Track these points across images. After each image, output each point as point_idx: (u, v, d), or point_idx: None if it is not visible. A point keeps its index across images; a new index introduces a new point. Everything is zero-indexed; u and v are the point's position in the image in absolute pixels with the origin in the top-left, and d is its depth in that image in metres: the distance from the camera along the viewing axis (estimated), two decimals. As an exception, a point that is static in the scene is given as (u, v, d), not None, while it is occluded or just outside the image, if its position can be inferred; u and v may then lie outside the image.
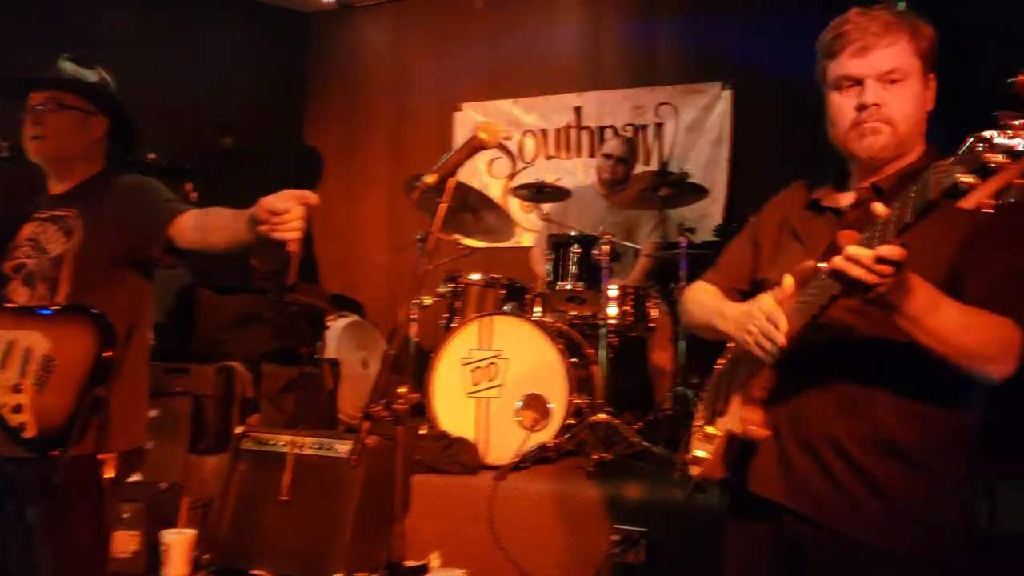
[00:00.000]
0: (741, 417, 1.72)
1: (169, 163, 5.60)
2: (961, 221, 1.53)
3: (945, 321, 1.45)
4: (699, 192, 4.57)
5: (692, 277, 4.38)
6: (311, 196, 1.78)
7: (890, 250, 1.31)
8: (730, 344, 1.95)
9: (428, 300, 4.53)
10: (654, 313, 4.47)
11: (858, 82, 1.67)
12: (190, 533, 3.13)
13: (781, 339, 1.56)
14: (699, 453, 1.91)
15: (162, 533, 3.08)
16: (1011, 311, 1.51)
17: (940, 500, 1.64)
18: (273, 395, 4.16)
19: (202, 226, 2.18)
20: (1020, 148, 1.08)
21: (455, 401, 3.91)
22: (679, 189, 4.43)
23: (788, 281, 1.59)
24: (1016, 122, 1.09)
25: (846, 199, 1.79)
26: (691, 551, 2.93)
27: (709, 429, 1.89)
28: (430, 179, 1.56)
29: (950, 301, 1.48)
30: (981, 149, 1.12)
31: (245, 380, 4.06)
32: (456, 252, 3.84)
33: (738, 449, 1.77)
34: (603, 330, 4.07)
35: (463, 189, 4.26)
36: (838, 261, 1.38)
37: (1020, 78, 1.09)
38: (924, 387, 1.60)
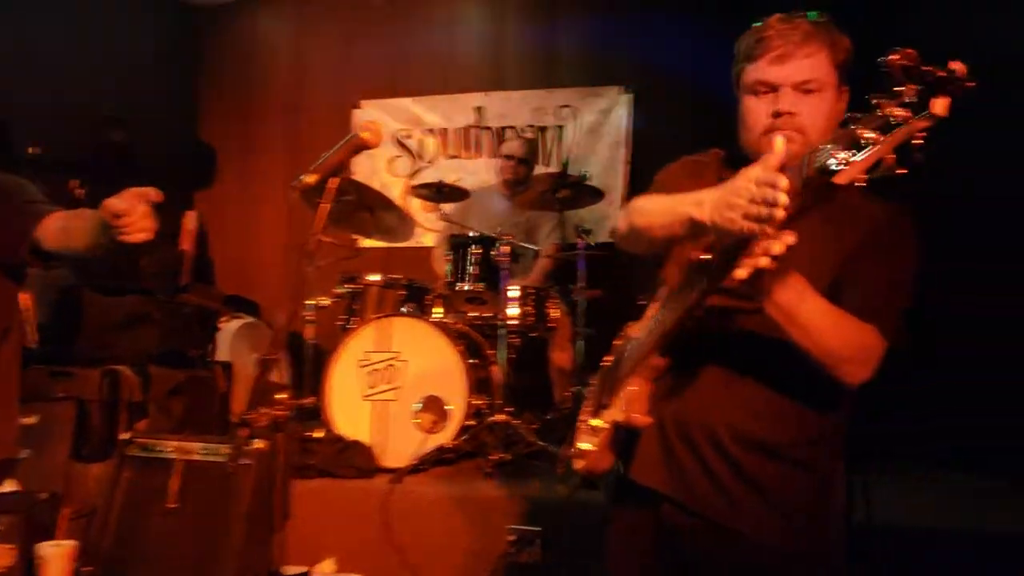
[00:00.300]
0: (626, 404, 1.74)
1: (55, 158, 5.38)
2: (851, 234, 1.59)
3: (812, 314, 1.49)
4: (597, 195, 4.61)
5: (591, 278, 4.43)
6: (152, 193, 1.71)
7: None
8: (616, 342, 1.97)
9: (325, 301, 4.45)
10: (554, 313, 4.49)
11: (774, 89, 1.67)
12: (69, 545, 2.99)
13: (783, 198, 1.28)
14: (584, 446, 1.91)
15: (38, 546, 2.94)
16: (876, 321, 1.56)
17: (815, 497, 1.70)
18: (161, 399, 4.02)
19: (66, 228, 2.08)
20: (890, 122, 1.11)
21: (351, 404, 3.86)
22: (578, 191, 4.47)
23: (779, 143, 1.38)
24: (887, 100, 1.12)
25: None
26: (585, 548, 2.95)
27: (594, 422, 1.90)
28: (309, 179, 1.51)
29: (819, 297, 1.51)
30: (854, 126, 1.15)
31: (132, 384, 3.92)
32: (344, 252, 3.76)
33: (622, 438, 1.79)
34: (503, 331, 4.06)
35: (360, 188, 4.21)
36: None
37: (891, 58, 1.12)
38: (800, 387, 1.64)
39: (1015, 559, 2.85)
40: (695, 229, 1.51)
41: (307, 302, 4.50)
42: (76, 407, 3.72)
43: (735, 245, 1.37)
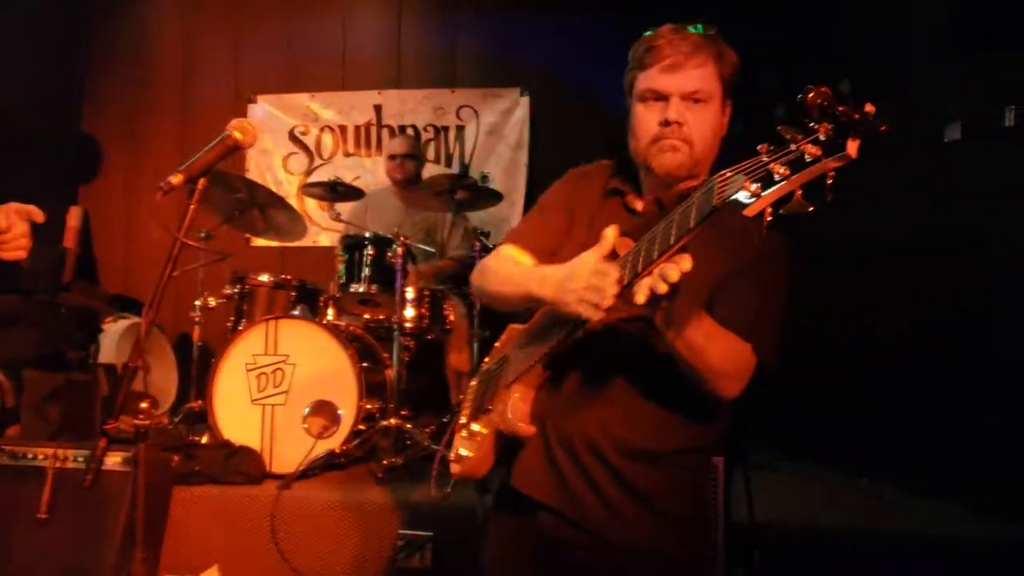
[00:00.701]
0: (510, 413, 1.73)
1: (-78, 149, 5.10)
2: (727, 253, 1.62)
3: (700, 333, 1.51)
4: (496, 197, 4.60)
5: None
6: (36, 213, 1.63)
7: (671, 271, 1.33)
8: (497, 344, 1.97)
9: (213, 302, 4.31)
10: (451, 316, 4.46)
11: (663, 98, 1.70)
12: (-70, 559, 2.83)
13: (612, 290, 1.43)
14: (462, 451, 1.90)
15: None
16: (751, 338, 1.60)
17: (693, 503, 1.74)
18: (37, 404, 3.84)
19: None
20: (804, 159, 1.12)
21: (239, 408, 3.74)
22: (476, 193, 4.44)
23: (610, 233, 1.50)
24: (800, 136, 1.13)
25: (637, 201, 1.82)
26: (476, 553, 2.94)
27: (474, 427, 1.89)
28: (175, 180, 1.45)
29: (707, 317, 1.54)
30: (765, 160, 1.16)
31: (4, 388, 3.74)
32: (214, 255, 3.65)
33: (504, 445, 1.79)
34: (397, 333, 4.00)
35: (251, 185, 4.11)
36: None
37: (808, 95, 1.13)
38: (681, 397, 1.66)
39: (894, 557, 2.96)
40: (539, 303, 1.65)
41: (196, 302, 4.35)
42: (-57, 413, 3.53)
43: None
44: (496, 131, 6.02)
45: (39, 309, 4.14)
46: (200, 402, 4.08)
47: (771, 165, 1.14)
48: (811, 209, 1.15)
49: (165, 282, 1.43)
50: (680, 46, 1.68)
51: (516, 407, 1.74)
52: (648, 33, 1.75)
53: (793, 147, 1.13)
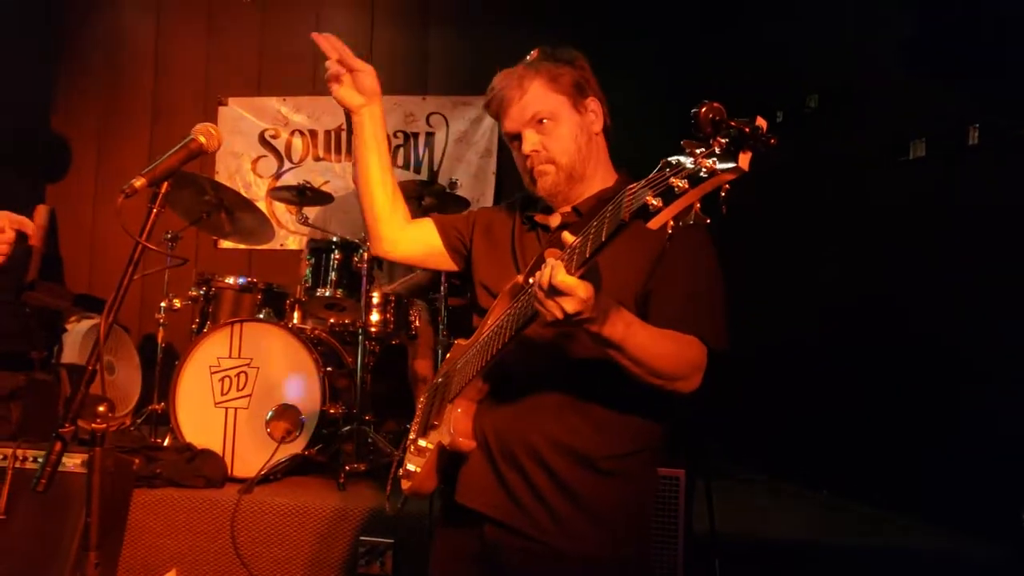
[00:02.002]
0: (450, 429, 1.75)
1: None
2: (648, 248, 1.65)
3: (642, 345, 1.52)
4: (463, 203, 4.63)
5: (452, 288, 4.42)
6: (29, 226, 1.67)
7: (564, 282, 1.36)
8: (448, 356, 2.00)
9: (178, 303, 4.29)
10: (416, 322, 4.47)
11: (518, 136, 1.81)
12: None
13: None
14: (411, 467, 1.91)
15: None
16: (695, 330, 1.62)
17: (635, 507, 1.76)
18: (-3, 403, 3.81)
19: None
20: (700, 174, 1.14)
21: (202, 411, 3.74)
22: (443, 199, 4.47)
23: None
24: (698, 150, 1.16)
25: (553, 219, 1.88)
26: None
27: (422, 442, 1.90)
28: (138, 183, 1.46)
29: (645, 326, 1.56)
30: (667, 173, 1.19)
31: (-36, 388, 3.70)
32: (174, 260, 3.64)
33: (447, 460, 1.80)
34: (362, 337, 4.01)
35: (219, 188, 4.10)
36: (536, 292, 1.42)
37: (701, 110, 1.15)
38: (617, 400, 1.69)
39: (853, 569, 3.02)
40: None
41: (161, 304, 4.33)
42: (-100, 411, 3.49)
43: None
44: (465, 138, 6.05)
45: (2, 308, 4.10)
46: (163, 404, 4.07)
47: (671, 179, 1.17)
48: (708, 221, 1.19)
49: (126, 285, 1.44)
50: (506, 86, 1.81)
51: (458, 422, 1.76)
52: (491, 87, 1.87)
53: (690, 161, 1.16)
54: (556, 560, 1.68)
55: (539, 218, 1.90)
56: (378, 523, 3.20)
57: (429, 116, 6.09)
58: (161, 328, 4.36)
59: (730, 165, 1.13)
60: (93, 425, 1.42)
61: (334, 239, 4.21)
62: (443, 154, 6.07)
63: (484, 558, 1.77)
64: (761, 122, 1.13)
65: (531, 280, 1.54)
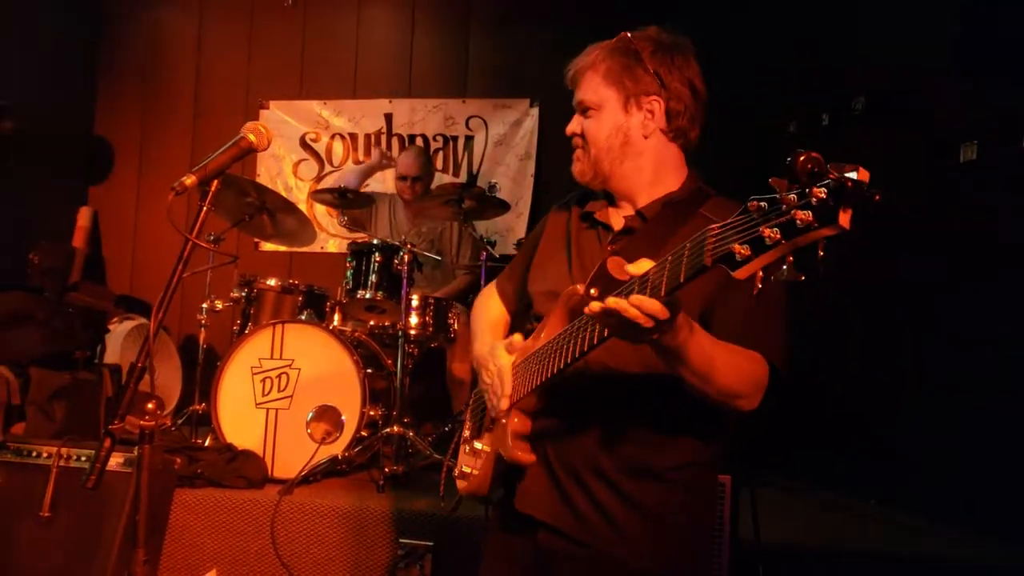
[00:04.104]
0: (509, 440, 1.71)
1: (-64, 148, 5.13)
2: None
3: (709, 362, 1.47)
4: (502, 206, 4.61)
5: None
6: None
7: (653, 306, 1.29)
8: None
9: (220, 305, 4.32)
10: (455, 324, 4.46)
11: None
12: (-68, 555, 2.84)
13: (504, 404, 1.71)
14: (466, 468, 1.90)
15: None
16: (758, 347, 1.57)
17: (695, 517, 1.73)
18: (43, 402, 3.85)
19: None
20: (796, 226, 1.06)
21: (243, 412, 3.75)
22: (482, 202, 4.45)
23: (517, 339, 1.77)
24: (790, 195, 1.07)
25: (617, 219, 1.83)
26: (476, 565, 2.93)
27: (477, 444, 1.88)
28: (188, 180, 1.46)
29: (714, 342, 1.50)
30: (756, 218, 1.11)
31: (11, 386, 3.75)
32: (223, 258, 3.67)
33: (504, 465, 1.77)
34: (401, 340, 4.01)
35: (261, 190, 4.12)
36: (612, 302, 1.34)
37: (799, 159, 1.07)
38: (682, 416, 1.65)
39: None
40: None
41: (203, 305, 4.37)
42: (-51, 409, 3.54)
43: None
44: (505, 141, 6.04)
45: (47, 308, 4.15)
46: (204, 404, 4.10)
47: (761, 228, 1.09)
48: (802, 279, 1.10)
49: (176, 283, 1.44)
50: (576, 63, 1.83)
51: (515, 434, 1.73)
52: None
53: (784, 208, 1.07)
54: (612, 568, 1.65)
55: (599, 215, 1.85)
56: (417, 526, 3.19)
57: (469, 119, 6.09)
58: (203, 329, 4.40)
59: (829, 224, 1.04)
60: (142, 422, 1.41)
61: (374, 241, 4.21)
62: (482, 157, 6.07)
63: (536, 565, 1.75)
64: (864, 175, 1.03)
65: (592, 291, 1.50)
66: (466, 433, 2.00)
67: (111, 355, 4.88)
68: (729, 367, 1.50)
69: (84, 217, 6.20)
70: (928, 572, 3.00)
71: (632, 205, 1.81)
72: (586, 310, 1.39)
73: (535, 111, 5.96)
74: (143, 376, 1.44)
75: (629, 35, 1.78)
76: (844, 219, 1.04)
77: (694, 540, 1.74)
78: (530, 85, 5.96)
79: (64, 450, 3.06)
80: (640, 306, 1.30)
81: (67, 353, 4.17)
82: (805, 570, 3.01)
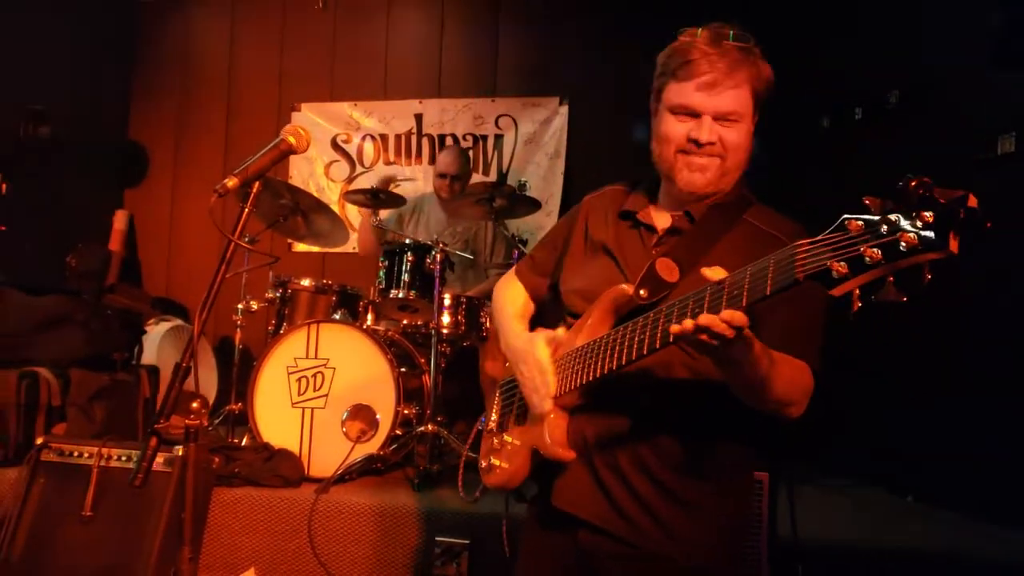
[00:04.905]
0: (548, 437, 1.70)
1: (-23, 152, 5.22)
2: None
3: (764, 372, 1.46)
4: (533, 205, 4.61)
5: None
6: None
7: (740, 319, 1.29)
8: None
9: (255, 305, 4.37)
10: (488, 323, 4.46)
11: (696, 115, 1.66)
12: (-23, 553, 2.89)
13: (548, 405, 1.69)
14: (494, 462, 1.89)
15: (-55, 554, 2.84)
16: (806, 357, 1.56)
17: (738, 514, 1.74)
18: (83, 403, 3.91)
19: None
20: (899, 248, 1.05)
21: (279, 411, 3.78)
22: (513, 201, 4.45)
23: (560, 332, 1.76)
24: (893, 217, 1.06)
25: (660, 218, 1.79)
26: (512, 563, 2.94)
27: (506, 438, 1.88)
28: (230, 183, 1.48)
29: (769, 353, 1.47)
30: (855, 237, 1.10)
31: (52, 387, 3.80)
32: (264, 259, 3.70)
33: (540, 463, 1.77)
34: (435, 339, 4.02)
35: (295, 191, 4.15)
36: (690, 325, 1.32)
37: (911, 184, 1.05)
38: (723, 418, 1.65)
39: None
40: None
41: (238, 306, 4.42)
42: (-9, 410, 3.60)
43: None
44: (534, 139, 6.05)
45: (86, 310, 4.20)
46: (240, 404, 4.14)
47: (862, 247, 1.08)
48: (904, 300, 1.09)
49: (219, 284, 1.45)
50: (717, 63, 1.63)
51: (553, 430, 1.71)
52: (683, 37, 1.70)
53: (886, 229, 1.06)
54: (653, 565, 1.65)
55: (642, 216, 1.81)
56: (454, 524, 3.20)
57: (498, 118, 6.10)
58: (239, 330, 4.45)
59: (937, 248, 1.03)
60: (187, 421, 1.43)
61: (407, 241, 4.23)
62: (512, 156, 6.08)
63: (576, 563, 1.74)
64: (974, 202, 1.03)
65: (641, 293, 1.49)
66: (490, 426, 1.99)
67: (148, 356, 4.94)
68: (783, 377, 1.49)
69: (120, 220, 6.29)
70: (966, 569, 2.96)
71: (681, 207, 1.76)
72: (674, 328, 1.35)
73: (564, 109, 5.96)
74: (187, 375, 1.45)
75: (751, 37, 1.69)
76: (954, 245, 1.03)
77: (739, 536, 1.75)
78: (559, 83, 5.97)
79: (105, 450, 3.11)
80: (731, 321, 1.29)
81: (106, 354, 4.22)
82: (844, 568, 2.98)
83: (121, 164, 6.59)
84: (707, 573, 1.66)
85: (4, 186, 5.10)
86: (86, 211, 6.12)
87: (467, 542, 3.14)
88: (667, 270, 1.48)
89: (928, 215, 1.03)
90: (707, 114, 1.65)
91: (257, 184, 1.53)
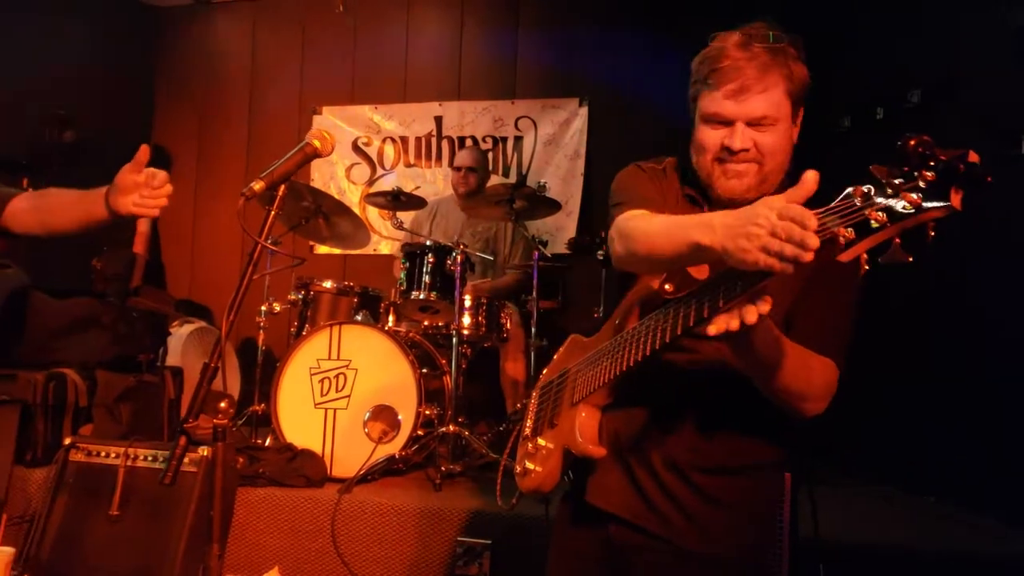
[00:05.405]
0: (579, 435, 1.71)
1: (4, 156, 5.28)
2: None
3: (783, 362, 1.46)
4: (553, 206, 4.63)
5: (545, 289, 4.43)
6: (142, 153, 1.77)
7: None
8: (556, 356, 1.97)
9: (278, 307, 4.42)
10: (508, 324, 4.49)
11: (729, 123, 1.64)
12: (8, 551, 2.92)
13: (812, 240, 1.14)
14: (529, 466, 1.89)
15: (-24, 551, 2.88)
16: (833, 355, 1.56)
17: (770, 512, 1.75)
18: (109, 404, 3.95)
19: (40, 207, 2.07)
20: (900, 208, 1.06)
21: (302, 412, 3.82)
22: (533, 202, 4.47)
23: (811, 177, 1.24)
24: (897, 180, 1.07)
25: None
26: (534, 562, 2.95)
27: (540, 441, 1.88)
28: (257, 186, 1.50)
29: (790, 344, 1.48)
30: (859, 203, 1.11)
31: (78, 388, 3.85)
32: (288, 260, 3.74)
33: (572, 462, 1.78)
34: (455, 340, 4.05)
35: (316, 194, 4.19)
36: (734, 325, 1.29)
37: (910, 143, 1.07)
38: (756, 415, 1.65)
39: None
40: (703, 255, 1.38)
41: (261, 308, 4.47)
42: (20, 411, 3.64)
43: (731, 279, 1.31)
44: (554, 141, 6.06)
45: (112, 312, 4.25)
46: (263, 405, 4.18)
47: (867, 211, 1.09)
48: (911, 260, 1.10)
49: (247, 286, 1.48)
50: (745, 68, 1.60)
51: (584, 428, 1.72)
52: (714, 42, 1.67)
53: (890, 191, 1.08)
54: (684, 560, 1.66)
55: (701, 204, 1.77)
56: (475, 524, 3.21)
57: (518, 120, 6.12)
58: (261, 331, 4.49)
59: (940, 204, 1.05)
60: (215, 420, 1.46)
61: (427, 243, 4.26)
62: (531, 157, 6.09)
63: (607, 559, 1.75)
64: (974, 157, 1.04)
65: (667, 287, 1.48)
66: (526, 431, 2.00)
67: (172, 358, 4.99)
68: (797, 369, 1.48)
69: (144, 224, 6.33)
70: (988, 571, 2.95)
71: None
72: (710, 329, 1.31)
73: (584, 110, 5.97)
74: (215, 376, 1.48)
75: (784, 37, 1.65)
76: (956, 199, 1.05)
77: (769, 533, 1.76)
78: (579, 84, 5.98)
79: (131, 450, 3.15)
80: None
81: (131, 356, 4.27)
82: (866, 569, 2.98)
83: (145, 168, 6.64)
84: (736, 568, 1.68)
85: (30, 190, 5.16)
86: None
87: (489, 542, 3.15)
88: (697, 268, 1.48)
89: (929, 174, 1.05)
90: (739, 121, 1.63)
91: (283, 187, 1.55)
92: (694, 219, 1.43)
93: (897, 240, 1.10)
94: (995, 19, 3.81)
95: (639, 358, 1.54)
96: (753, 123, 1.63)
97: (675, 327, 1.43)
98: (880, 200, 1.09)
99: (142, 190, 1.76)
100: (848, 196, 1.13)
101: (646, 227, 1.60)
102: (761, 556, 1.74)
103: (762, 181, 1.66)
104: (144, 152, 1.82)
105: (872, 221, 1.09)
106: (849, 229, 1.11)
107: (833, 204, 1.15)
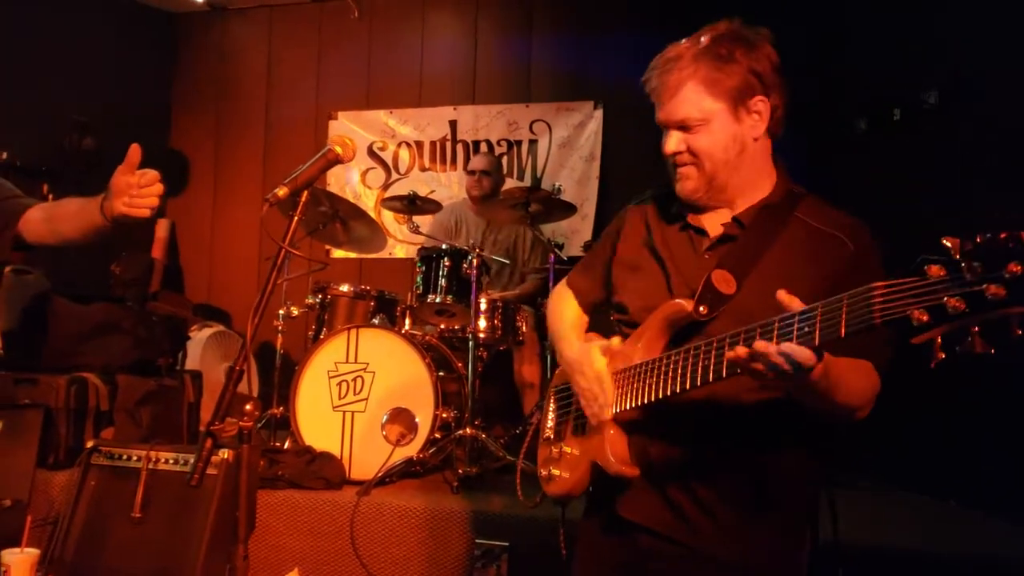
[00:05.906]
0: (610, 456, 1.68)
1: (24, 163, 5.34)
2: (831, 269, 1.54)
3: (833, 387, 1.42)
4: (568, 209, 4.64)
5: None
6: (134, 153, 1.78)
7: (804, 355, 1.28)
8: None
9: (296, 311, 4.45)
10: (523, 327, 4.50)
11: (667, 128, 1.70)
12: (33, 553, 2.96)
13: (608, 414, 1.68)
14: (555, 471, 1.88)
15: (2, 553, 2.91)
16: (872, 357, 1.54)
17: (800, 529, 1.73)
18: (130, 408, 3.99)
19: (51, 218, 2.10)
20: (986, 298, 1.00)
21: (320, 415, 3.84)
22: (549, 205, 4.48)
23: (615, 343, 1.74)
24: (976, 264, 1.01)
25: (709, 222, 1.76)
26: (552, 565, 2.96)
27: (566, 448, 1.86)
28: (281, 192, 1.52)
29: (838, 368, 1.42)
30: (935, 287, 1.06)
31: (100, 392, 3.89)
32: (311, 264, 3.77)
33: (601, 477, 1.74)
34: (472, 343, 4.07)
35: (333, 199, 4.22)
36: (760, 347, 1.30)
37: (1001, 236, 1.01)
38: (791, 436, 1.64)
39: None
40: None
41: (279, 311, 4.50)
42: (43, 415, 3.68)
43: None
44: (568, 144, 6.07)
45: (132, 317, 4.29)
46: (282, 408, 4.21)
47: (945, 296, 1.04)
48: (992, 352, 1.04)
49: (271, 290, 1.50)
50: (661, 77, 1.67)
51: (615, 447, 1.69)
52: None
53: (970, 278, 1.01)
54: (715, 566, 1.64)
55: (692, 219, 1.77)
56: (493, 526, 3.22)
57: (532, 123, 6.14)
58: (279, 335, 4.53)
59: None
60: (241, 423, 1.48)
61: (444, 247, 4.28)
62: (546, 160, 6.10)
63: (633, 567, 1.74)
64: None
65: (701, 309, 1.49)
66: (547, 434, 1.99)
67: (191, 362, 5.02)
68: (851, 386, 1.47)
69: (162, 229, 6.40)
70: (1010, 574, 2.93)
71: (729, 209, 1.74)
72: (729, 354, 1.35)
73: (599, 113, 5.98)
74: (240, 379, 1.50)
75: (710, 35, 1.66)
76: None
77: (801, 543, 1.72)
78: (593, 87, 5.99)
79: (153, 453, 3.17)
80: (791, 354, 1.27)
81: (151, 360, 4.30)
82: (885, 572, 2.97)
83: (163, 173, 6.69)
84: (757, 572, 1.65)
85: (51, 197, 5.20)
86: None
87: (507, 544, 3.16)
88: (723, 282, 1.48)
89: (1017, 267, 0.99)
90: (670, 126, 1.69)
91: (305, 193, 1.58)
92: (562, 336, 1.95)
93: (976, 328, 1.05)
94: (1013, 18, 3.79)
95: (677, 390, 1.54)
96: (681, 127, 1.67)
97: (720, 368, 1.44)
98: (960, 286, 1.03)
99: (132, 190, 1.78)
100: (921, 271, 1.08)
101: (551, 315, 2.08)
102: (789, 561, 1.70)
103: (709, 181, 1.69)
104: (135, 152, 1.83)
105: (949, 308, 1.04)
106: (924, 312, 1.07)
107: (905, 280, 1.11)
